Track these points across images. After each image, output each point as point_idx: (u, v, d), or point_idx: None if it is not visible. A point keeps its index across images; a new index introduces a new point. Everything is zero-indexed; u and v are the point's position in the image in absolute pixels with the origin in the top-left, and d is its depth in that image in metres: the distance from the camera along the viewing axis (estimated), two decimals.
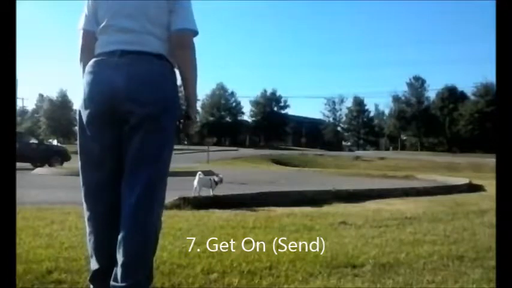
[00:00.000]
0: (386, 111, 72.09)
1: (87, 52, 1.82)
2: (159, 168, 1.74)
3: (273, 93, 68.90)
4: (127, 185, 1.72)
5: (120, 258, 1.66)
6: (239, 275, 2.15)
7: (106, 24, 1.77)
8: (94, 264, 1.78)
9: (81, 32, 1.85)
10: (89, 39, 1.82)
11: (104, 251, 1.75)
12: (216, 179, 5.79)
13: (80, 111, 1.78)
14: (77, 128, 1.80)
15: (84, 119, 1.75)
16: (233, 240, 3.01)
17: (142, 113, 1.69)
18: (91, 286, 1.79)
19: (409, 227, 3.81)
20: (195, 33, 1.80)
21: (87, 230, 1.80)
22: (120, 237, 1.67)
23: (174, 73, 1.80)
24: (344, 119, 75.88)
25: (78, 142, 1.80)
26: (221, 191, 5.69)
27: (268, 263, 2.40)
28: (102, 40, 1.78)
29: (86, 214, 1.81)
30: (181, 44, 1.77)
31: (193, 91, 1.85)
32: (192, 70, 1.81)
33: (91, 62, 1.77)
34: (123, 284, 1.63)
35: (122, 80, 1.68)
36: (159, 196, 1.74)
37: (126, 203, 1.69)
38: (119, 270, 1.65)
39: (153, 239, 1.73)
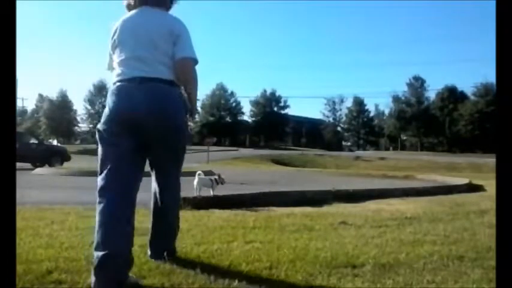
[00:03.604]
0: (387, 111, 72.10)
1: None
2: (179, 170, 2.42)
3: (273, 93, 68.84)
4: (159, 185, 2.38)
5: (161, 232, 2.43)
6: (239, 275, 2.15)
7: (126, 57, 2.20)
8: (103, 249, 1.94)
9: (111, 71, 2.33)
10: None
11: (117, 234, 2.00)
12: (217, 178, 5.78)
13: (103, 127, 2.15)
14: (97, 139, 2.18)
15: (110, 130, 2.13)
16: (233, 240, 3.01)
17: (163, 127, 2.15)
18: (93, 278, 1.90)
19: (409, 227, 3.80)
20: (195, 60, 2.27)
21: (99, 219, 2.02)
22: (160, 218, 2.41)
23: (182, 95, 2.28)
24: (344, 119, 75.88)
25: (101, 153, 2.15)
26: (221, 191, 5.68)
27: (268, 263, 2.40)
28: (122, 68, 2.20)
29: (100, 205, 2.05)
30: (184, 68, 2.23)
31: (194, 102, 2.33)
32: (194, 88, 2.29)
33: (114, 87, 2.18)
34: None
35: (143, 101, 2.10)
36: (179, 184, 2.47)
37: (161, 199, 2.39)
38: (160, 242, 2.41)
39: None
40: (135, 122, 2.10)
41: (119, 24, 2.28)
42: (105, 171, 2.10)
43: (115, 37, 2.25)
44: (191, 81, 2.26)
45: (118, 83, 2.17)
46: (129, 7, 2.33)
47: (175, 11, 2.46)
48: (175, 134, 2.22)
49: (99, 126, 2.17)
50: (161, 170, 2.37)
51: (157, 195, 2.42)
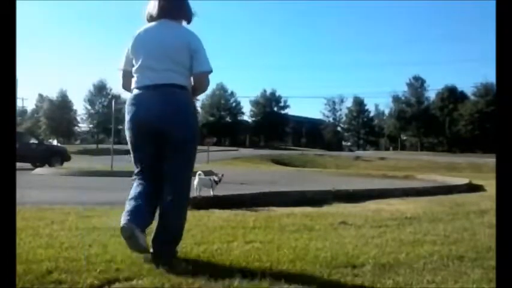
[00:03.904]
0: (387, 111, 72.03)
1: (127, 85, 2.57)
2: (188, 171, 2.53)
3: (273, 93, 68.80)
4: (169, 182, 2.44)
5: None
6: (239, 275, 2.15)
7: (141, 65, 2.44)
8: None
9: (121, 71, 2.57)
10: (127, 76, 2.55)
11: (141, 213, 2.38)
12: (216, 178, 5.77)
13: (126, 131, 2.50)
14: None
15: (131, 134, 2.47)
16: (233, 240, 3.01)
17: (176, 131, 2.38)
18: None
19: (409, 227, 3.80)
20: (210, 71, 2.52)
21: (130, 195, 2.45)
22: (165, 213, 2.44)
23: (192, 96, 2.54)
24: (344, 119, 75.80)
25: (130, 149, 2.54)
26: (221, 191, 5.68)
27: (268, 263, 2.40)
28: (138, 76, 2.45)
29: (133, 187, 2.50)
30: (202, 80, 2.53)
31: None
32: (202, 93, 2.67)
33: (132, 95, 2.46)
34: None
35: (156, 105, 2.36)
36: (189, 187, 2.57)
37: (169, 193, 2.43)
38: (162, 242, 2.39)
39: (185, 214, 2.55)
40: (151, 124, 2.38)
41: (138, 35, 2.50)
42: (135, 165, 2.55)
43: (133, 46, 2.49)
44: (204, 90, 2.63)
45: (135, 90, 2.46)
46: (150, 19, 2.53)
47: None
48: (187, 134, 2.44)
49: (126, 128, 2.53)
50: (171, 169, 2.45)
51: (164, 194, 2.45)
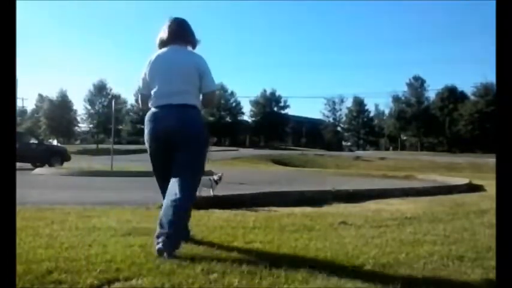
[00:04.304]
0: (387, 111, 72.06)
1: (145, 106, 2.90)
2: (194, 174, 2.75)
3: (273, 93, 68.79)
4: (176, 185, 2.63)
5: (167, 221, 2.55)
6: (239, 275, 2.15)
7: (158, 88, 2.78)
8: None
9: (141, 95, 2.94)
10: (146, 99, 2.88)
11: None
12: (216, 178, 5.77)
13: (146, 144, 2.86)
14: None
15: (150, 146, 2.83)
16: (233, 240, 3.01)
17: (186, 144, 2.69)
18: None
19: (409, 227, 3.80)
20: (216, 89, 2.96)
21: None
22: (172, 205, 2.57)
23: (202, 117, 2.90)
24: (344, 119, 75.83)
25: (151, 158, 2.93)
26: (221, 191, 5.68)
27: (268, 263, 2.40)
28: (156, 98, 2.78)
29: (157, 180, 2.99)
30: (209, 98, 2.90)
31: None
32: (211, 107, 3.12)
33: (150, 113, 2.81)
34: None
35: (173, 123, 2.69)
36: (195, 187, 2.83)
37: (176, 192, 2.61)
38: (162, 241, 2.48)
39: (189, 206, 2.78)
40: (167, 136, 2.71)
41: (154, 61, 2.82)
42: (156, 173, 2.94)
43: (150, 72, 2.82)
44: (213, 105, 3.04)
45: (153, 109, 2.80)
46: (160, 44, 2.88)
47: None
48: (195, 143, 2.72)
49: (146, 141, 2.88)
50: (178, 171, 2.68)
51: (171, 193, 2.61)
